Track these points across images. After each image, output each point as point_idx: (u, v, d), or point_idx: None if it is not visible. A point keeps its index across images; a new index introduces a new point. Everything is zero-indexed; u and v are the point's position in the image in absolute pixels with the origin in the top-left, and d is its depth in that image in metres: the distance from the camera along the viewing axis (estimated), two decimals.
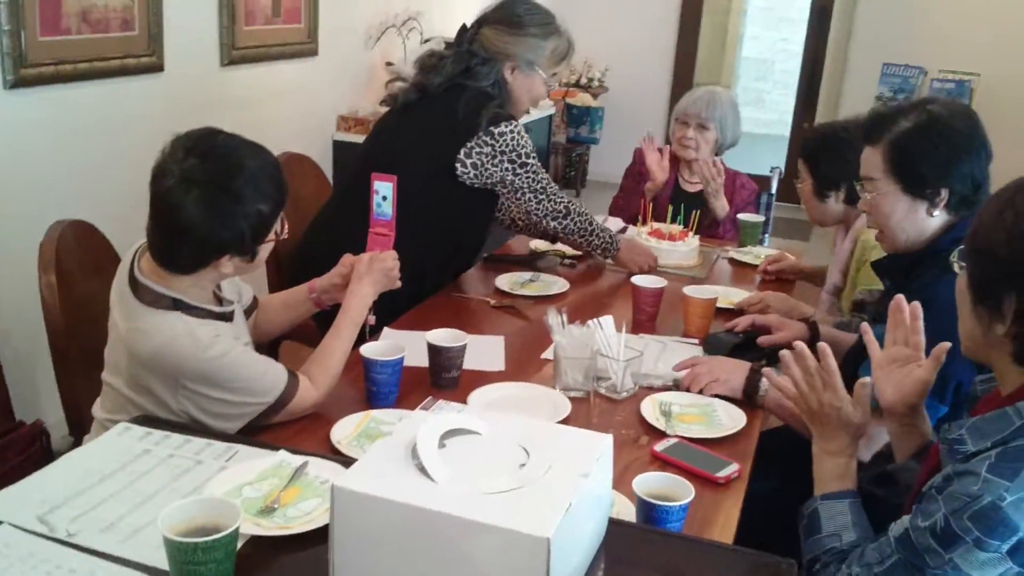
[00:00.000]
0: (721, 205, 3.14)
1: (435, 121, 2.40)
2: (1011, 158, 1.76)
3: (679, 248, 2.72)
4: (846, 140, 2.40)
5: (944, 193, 1.75)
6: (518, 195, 2.45)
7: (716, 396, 1.84)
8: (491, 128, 2.34)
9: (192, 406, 1.57)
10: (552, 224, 2.52)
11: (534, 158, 2.43)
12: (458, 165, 2.36)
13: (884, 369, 1.46)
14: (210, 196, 1.52)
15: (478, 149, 2.35)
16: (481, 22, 2.46)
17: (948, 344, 1.41)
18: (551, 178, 2.52)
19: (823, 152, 2.51)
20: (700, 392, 1.85)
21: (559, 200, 2.50)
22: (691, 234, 2.80)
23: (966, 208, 1.76)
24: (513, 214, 2.82)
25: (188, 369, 1.54)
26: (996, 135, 1.80)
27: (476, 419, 1.17)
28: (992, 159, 1.75)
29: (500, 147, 2.36)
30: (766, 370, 1.69)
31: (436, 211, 2.34)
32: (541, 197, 2.47)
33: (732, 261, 2.87)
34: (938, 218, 1.78)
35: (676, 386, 1.89)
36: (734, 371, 1.87)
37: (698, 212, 2.88)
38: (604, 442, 1.16)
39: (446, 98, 2.38)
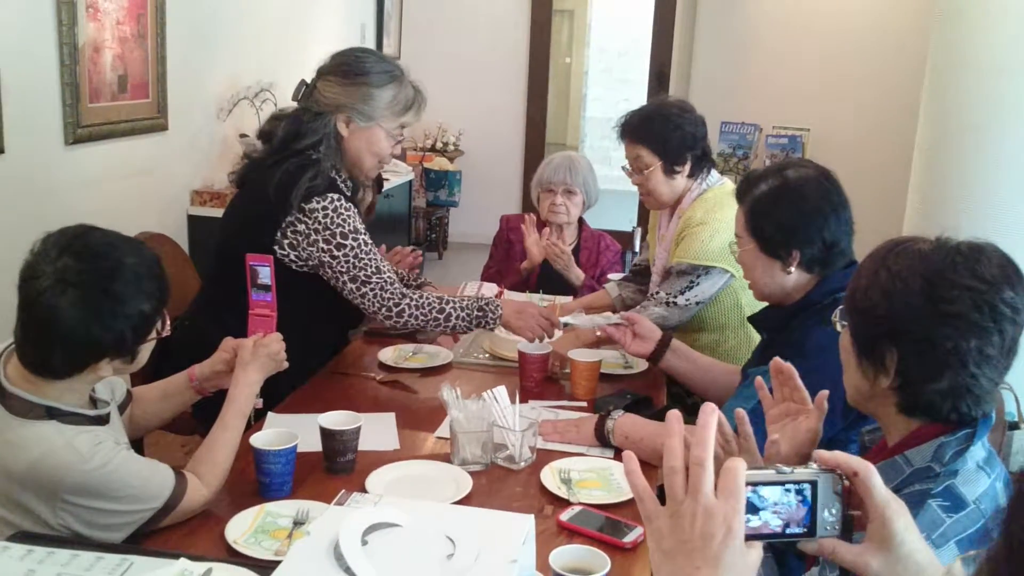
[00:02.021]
0: (576, 275, 3.20)
1: (256, 198, 2.21)
2: None
3: (542, 344, 2.33)
4: (677, 115, 2.52)
5: (795, 254, 1.86)
6: (339, 284, 2.17)
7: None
8: (303, 204, 2.12)
9: (73, 520, 1.47)
10: (387, 322, 2.21)
11: (356, 238, 2.15)
12: (276, 247, 2.15)
13: (777, 424, 1.52)
14: (88, 298, 1.44)
15: (293, 228, 2.14)
16: (318, 75, 2.25)
17: (827, 392, 1.49)
18: (381, 262, 2.20)
19: (666, 129, 2.51)
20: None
21: (389, 291, 2.18)
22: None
23: (820, 267, 1.87)
24: None
25: (69, 483, 1.44)
26: None
27: (396, 511, 1.15)
28: (851, 220, 1.86)
29: (313, 225, 2.12)
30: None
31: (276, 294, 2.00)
32: (364, 289, 2.17)
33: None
34: (795, 275, 1.88)
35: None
36: (581, 423, 1.98)
37: (558, 306, 2.74)
38: (526, 524, 1.16)
39: (272, 171, 2.17)
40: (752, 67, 5.73)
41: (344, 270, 2.16)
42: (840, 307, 1.36)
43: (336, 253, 2.14)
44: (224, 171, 4.33)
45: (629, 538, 1.56)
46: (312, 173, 2.14)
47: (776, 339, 1.92)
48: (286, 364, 1.85)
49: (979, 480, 1.21)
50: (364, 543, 1.09)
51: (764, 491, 0.91)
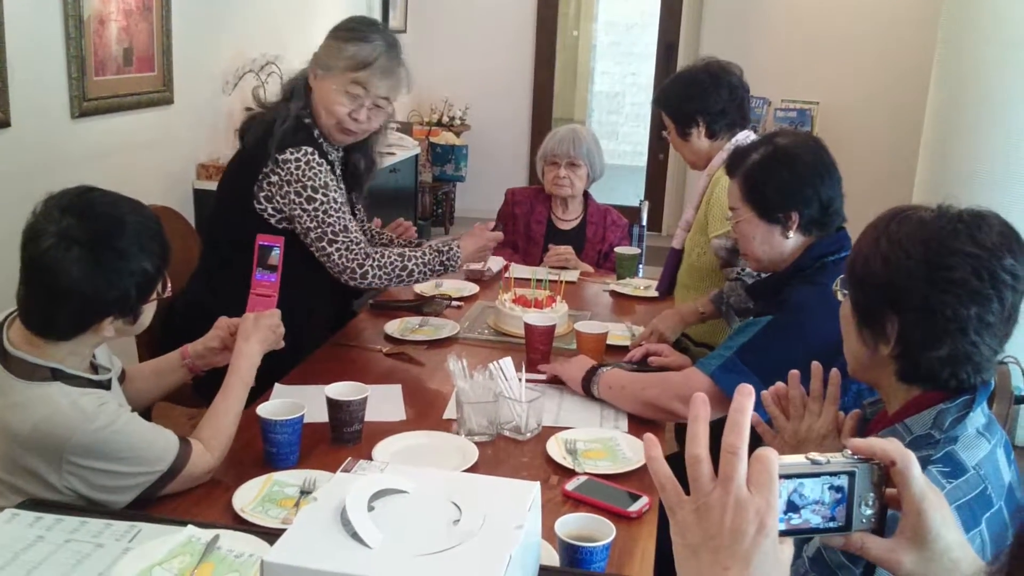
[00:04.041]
0: (583, 268, 3.17)
1: (238, 156, 2.28)
2: (848, 177, 1.96)
3: (547, 316, 2.36)
4: (691, 78, 2.62)
5: (795, 216, 1.91)
6: (307, 239, 2.18)
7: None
8: (276, 154, 2.15)
9: (79, 482, 1.48)
10: (351, 283, 2.22)
11: (327, 194, 2.16)
12: (255, 202, 2.20)
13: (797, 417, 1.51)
14: (94, 254, 1.45)
15: (268, 179, 2.17)
16: None
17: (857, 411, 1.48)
18: (349, 222, 2.22)
19: (672, 95, 2.64)
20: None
21: (355, 250, 2.20)
22: (558, 300, 2.54)
23: (818, 228, 1.93)
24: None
25: (74, 443, 1.44)
26: (835, 156, 1.97)
27: (403, 477, 1.15)
28: (841, 181, 1.92)
29: (286, 176, 2.15)
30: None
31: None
32: (331, 248, 2.18)
33: (612, 293, 2.94)
34: (793, 239, 1.94)
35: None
36: (573, 363, 2.08)
37: (563, 283, 2.68)
38: (533, 490, 1.16)
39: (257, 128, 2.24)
40: (761, 40, 5.69)
41: (312, 226, 2.17)
42: (841, 276, 1.36)
43: (307, 207, 2.16)
44: (230, 145, 4.33)
45: (634, 507, 1.57)
46: (282, 119, 2.18)
47: (768, 306, 1.95)
48: (283, 344, 1.86)
49: (979, 446, 1.21)
50: (371, 508, 1.09)
51: (806, 488, 0.84)
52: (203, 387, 2.02)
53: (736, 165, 2.00)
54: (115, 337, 1.59)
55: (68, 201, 1.49)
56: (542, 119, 6.97)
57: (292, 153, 2.15)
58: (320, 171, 2.17)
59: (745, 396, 0.80)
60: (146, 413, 2.53)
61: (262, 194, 2.19)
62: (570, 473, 1.70)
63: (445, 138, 6.41)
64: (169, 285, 1.63)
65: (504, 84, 6.92)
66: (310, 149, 2.17)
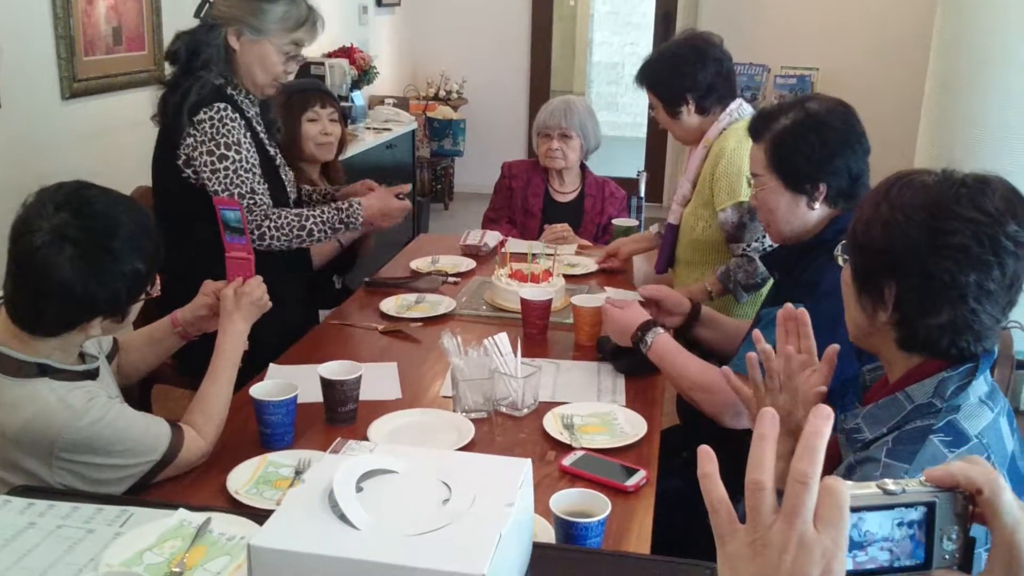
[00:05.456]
0: (581, 243, 3.14)
1: (160, 134, 2.24)
2: None
3: (544, 290, 2.33)
4: (675, 55, 2.55)
5: (822, 187, 1.82)
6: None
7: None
8: (192, 116, 2.13)
9: (71, 476, 1.46)
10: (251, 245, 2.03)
11: (239, 152, 2.15)
12: (180, 167, 2.17)
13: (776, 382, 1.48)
14: (87, 255, 1.42)
15: (185, 142, 2.15)
16: None
17: (838, 347, 1.45)
18: (257, 183, 2.18)
19: (659, 74, 2.57)
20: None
21: (255, 212, 2.17)
22: (555, 275, 2.51)
23: (845, 201, 1.83)
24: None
25: (65, 440, 1.43)
26: None
27: (392, 457, 1.14)
28: (870, 152, 1.83)
29: (200, 136, 2.13)
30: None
31: (207, 228, 1.94)
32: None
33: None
34: (819, 211, 1.84)
35: None
36: (630, 316, 2.02)
37: (554, 258, 2.62)
38: (524, 467, 1.14)
39: (174, 94, 2.18)
40: (760, 7, 5.62)
41: (222, 188, 2.14)
42: (842, 242, 1.33)
43: (218, 166, 2.14)
44: None
45: (631, 481, 1.56)
46: (199, 84, 2.14)
47: (787, 279, 1.90)
48: (270, 304, 1.82)
49: (982, 414, 1.19)
50: (359, 490, 1.08)
51: (870, 523, 0.73)
52: (187, 360, 2.02)
53: (762, 129, 1.89)
54: (101, 335, 1.57)
55: (63, 196, 1.46)
56: (540, 91, 6.91)
57: (206, 112, 2.13)
58: (234, 127, 2.15)
59: (823, 418, 0.68)
60: (145, 390, 2.54)
61: (180, 161, 2.17)
62: (568, 448, 1.68)
63: (442, 112, 6.37)
64: (158, 284, 1.60)
65: (501, 57, 6.86)
66: (222, 105, 2.15)
